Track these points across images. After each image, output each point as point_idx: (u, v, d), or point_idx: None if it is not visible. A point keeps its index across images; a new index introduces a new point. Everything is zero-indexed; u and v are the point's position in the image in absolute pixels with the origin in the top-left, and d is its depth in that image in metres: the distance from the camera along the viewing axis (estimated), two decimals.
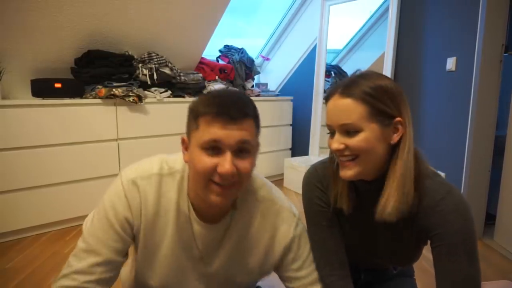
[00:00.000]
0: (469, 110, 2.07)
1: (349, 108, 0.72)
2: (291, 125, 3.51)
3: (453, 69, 2.19)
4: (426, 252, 0.91)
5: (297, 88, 3.60)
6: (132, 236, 0.79)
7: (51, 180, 2.12)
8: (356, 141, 0.72)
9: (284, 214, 0.84)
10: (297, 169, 3.09)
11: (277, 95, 3.61)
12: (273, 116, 3.31)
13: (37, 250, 1.95)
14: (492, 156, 2.08)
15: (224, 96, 0.71)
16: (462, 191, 2.08)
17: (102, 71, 2.35)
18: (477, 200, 2.07)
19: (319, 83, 3.22)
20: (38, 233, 2.15)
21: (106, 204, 0.77)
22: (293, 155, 3.59)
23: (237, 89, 0.79)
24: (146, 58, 2.59)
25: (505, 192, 1.97)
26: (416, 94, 2.47)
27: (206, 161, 0.67)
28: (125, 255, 0.79)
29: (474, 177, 2.08)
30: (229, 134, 0.67)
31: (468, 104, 2.08)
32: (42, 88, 2.12)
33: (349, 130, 0.73)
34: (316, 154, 3.28)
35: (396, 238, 0.84)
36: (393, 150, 0.76)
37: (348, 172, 0.76)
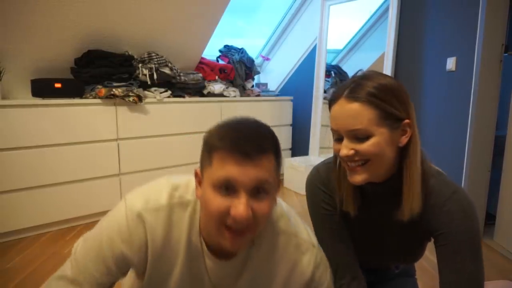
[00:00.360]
0: (469, 110, 2.07)
1: (357, 112, 0.70)
2: (291, 125, 3.51)
3: (453, 69, 2.19)
4: (427, 252, 0.91)
5: (297, 88, 3.60)
6: (126, 271, 0.74)
7: (51, 180, 2.12)
8: (366, 146, 0.71)
9: (304, 246, 0.78)
10: (297, 169, 3.09)
11: (277, 95, 3.60)
12: (273, 116, 3.30)
13: (37, 250, 1.94)
14: (492, 156, 2.08)
15: (240, 128, 0.65)
16: None
17: (102, 71, 2.35)
18: (477, 200, 2.07)
19: (319, 83, 3.22)
20: (38, 233, 2.14)
21: (103, 233, 0.70)
22: (293, 155, 3.58)
23: (256, 119, 0.71)
24: (146, 58, 2.58)
25: (505, 192, 1.97)
26: (416, 94, 2.47)
27: (219, 202, 0.61)
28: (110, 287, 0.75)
29: (474, 177, 2.08)
30: (244, 172, 0.60)
31: (468, 104, 2.08)
32: (42, 88, 2.12)
33: (359, 136, 0.71)
34: (316, 154, 3.28)
35: (401, 237, 0.84)
36: (401, 151, 0.75)
37: (357, 177, 0.74)
